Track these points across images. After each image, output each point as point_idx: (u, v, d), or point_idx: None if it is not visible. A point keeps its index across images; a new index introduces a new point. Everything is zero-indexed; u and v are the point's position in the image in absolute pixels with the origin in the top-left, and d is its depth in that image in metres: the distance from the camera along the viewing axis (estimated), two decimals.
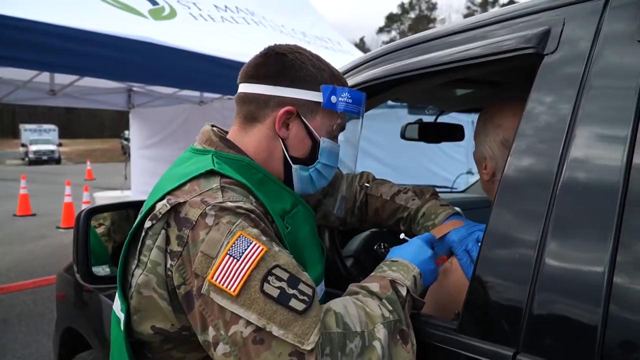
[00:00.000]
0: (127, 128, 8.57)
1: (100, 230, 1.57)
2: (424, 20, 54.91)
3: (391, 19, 59.30)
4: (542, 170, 0.85)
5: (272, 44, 1.11)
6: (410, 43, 1.22)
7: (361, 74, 1.30)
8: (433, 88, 1.66)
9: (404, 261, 1.06)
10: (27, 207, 10.36)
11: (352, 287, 1.01)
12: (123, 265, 0.98)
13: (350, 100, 1.07)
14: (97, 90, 6.61)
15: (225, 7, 5.93)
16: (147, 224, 0.93)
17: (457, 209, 1.28)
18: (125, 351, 0.96)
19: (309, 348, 0.79)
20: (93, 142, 41.55)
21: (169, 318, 0.92)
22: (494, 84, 1.55)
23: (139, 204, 1.65)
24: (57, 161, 29.76)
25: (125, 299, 0.97)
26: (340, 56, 5.98)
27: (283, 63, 1.06)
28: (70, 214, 8.85)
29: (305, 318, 0.82)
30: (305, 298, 0.84)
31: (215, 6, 5.75)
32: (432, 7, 58.48)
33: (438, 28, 1.20)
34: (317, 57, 1.11)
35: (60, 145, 32.14)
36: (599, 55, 0.83)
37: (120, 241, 1.65)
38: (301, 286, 0.85)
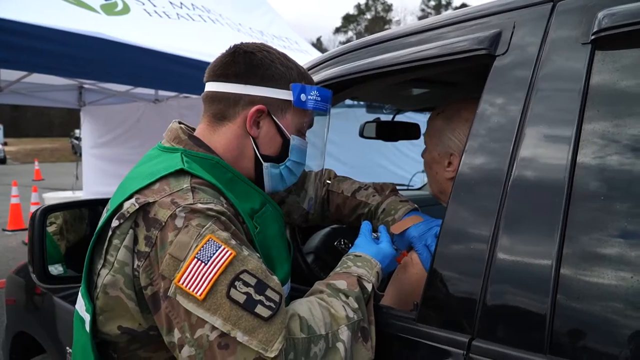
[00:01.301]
0: (78, 127, 8.31)
1: (51, 229, 1.53)
2: (380, 22, 55.54)
3: (348, 19, 59.68)
4: (494, 168, 0.90)
5: (238, 42, 1.11)
6: (368, 43, 1.25)
7: (320, 73, 1.32)
8: (391, 87, 1.69)
9: (367, 256, 1.08)
10: None
11: (318, 285, 1.02)
12: (88, 265, 0.97)
13: (319, 98, 1.09)
14: (46, 87, 6.38)
15: (181, 4, 5.83)
16: (114, 223, 0.91)
17: (415, 206, 1.32)
18: (90, 352, 0.95)
19: (272, 355, 0.80)
20: (41, 141, 39.95)
21: (136, 318, 0.92)
22: (449, 84, 1.60)
23: (97, 203, 1.62)
24: (2, 161, 28.53)
25: (91, 299, 0.95)
26: (298, 55, 5.99)
27: (252, 62, 1.06)
28: (17, 215, 8.50)
29: (270, 325, 0.82)
30: (272, 304, 0.84)
31: (171, 3, 5.65)
32: (388, 9, 59.24)
33: (395, 29, 1.23)
34: (285, 56, 1.12)
35: (5, 144, 30.83)
36: (547, 57, 0.88)
37: (75, 240, 1.62)
38: (268, 292, 0.85)
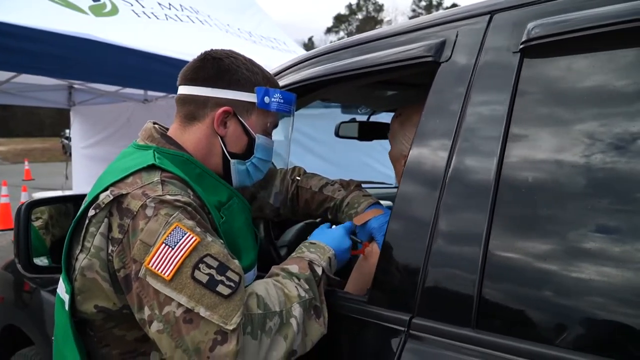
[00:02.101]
0: (68, 126, 8.32)
1: (37, 223, 1.61)
2: (371, 22, 55.63)
3: (339, 19, 59.77)
4: (435, 165, 0.99)
5: (225, 43, 1.21)
6: (332, 49, 1.34)
7: (287, 77, 1.41)
8: (362, 90, 1.79)
9: (321, 243, 1.18)
10: None
11: (274, 269, 1.11)
12: (67, 251, 1.06)
13: (282, 100, 1.19)
14: (36, 87, 6.39)
15: (169, 4, 5.87)
16: (91, 212, 1.00)
17: (376, 199, 1.41)
18: (69, 329, 1.03)
19: (231, 328, 0.89)
20: (32, 141, 39.68)
21: (110, 298, 1.00)
22: (416, 85, 1.70)
23: (80, 198, 1.70)
24: None
25: (70, 281, 1.04)
26: (286, 55, 6.06)
27: (220, 67, 1.16)
28: (7, 215, 8.49)
29: (229, 302, 0.91)
30: (232, 284, 0.93)
31: (159, 4, 5.69)
32: (379, 9, 59.37)
33: (355, 37, 1.33)
34: (251, 61, 1.21)
35: None
36: (482, 64, 0.98)
37: (60, 235, 1.69)
38: (229, 273, 0.94)
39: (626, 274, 0.74)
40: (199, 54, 1.20)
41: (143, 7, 5.36)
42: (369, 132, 2.17)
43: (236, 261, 0.99)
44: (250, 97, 1.17)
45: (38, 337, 2.05)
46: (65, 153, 15.38)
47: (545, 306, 0.81)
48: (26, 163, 18.87)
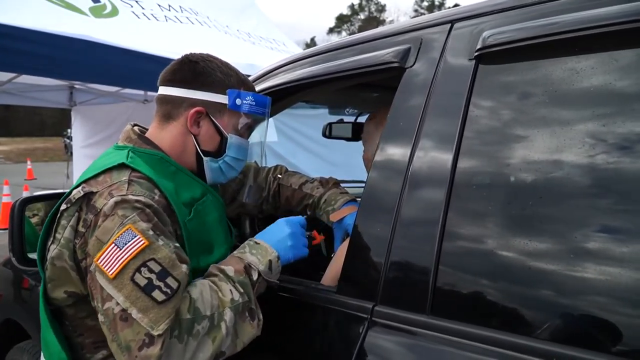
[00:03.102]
0: (70, 126, 8.39)
1: (34, 220, 1.69)
2: (373, 22, 55.66)
3: (341, 19, 59.83)
4: (399, 160, 1.06)
5: (188, 52, 1.28)
6: (309, 54, 1.42)
7: (269, 80, 1.48)
8: (346, 92, 1.86)
9: (265, 244, 1.19)
10: None
11: (212, 269, 1.14)
12: (42, 243, 1.14)
13: (253, 103, 1.25)
14: (37, 87, 6.46)
15: (169, 6, 5.93)
16: (63, 206, 1.09)
17: (353, 197, 1.48)
18: (45, 314, 1.12)
19: (156, 333, 0.95)
20: (34, 141, 39.81)
21: (77, 285, 1.08)
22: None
23: None
24: None
25: (43, 270, 1.12)
26: (285, 56, 6.10)
27: (195, 69, 1.23)
28: (8, 214, 8.59)
29: (161, 308, 0.97)
30: (168, 291, 0.98)
31: (159, 5, 5.74)
32: (381, 9, 59.43)
33: (331, 42, 1.40)
34: (226, 65, 1.28)
35: None
36: (442, 69, 1.05)
37: None
38: (169, 280, 0.99)
39: (566, 257, 0.81)
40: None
41: (143, 8, 5.42)
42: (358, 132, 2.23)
43: (183, 267, 1.03)
44: (222, 98, 1.23)
45: (35, 331, 2.11)
46: (67, 152, 15.46)
47: (492, 294, 0.88)
48: (28, 162, 18.95)
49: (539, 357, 0.77)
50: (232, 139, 1.26)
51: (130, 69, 4.16)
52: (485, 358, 0.83)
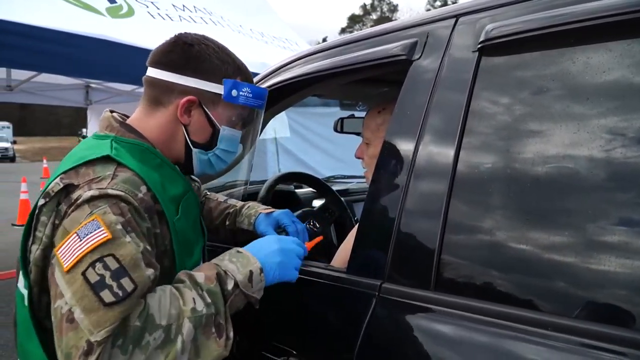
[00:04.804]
0: (85, 125, 8.52)
1: None
2: (385, 22, 55.50)
3: (353, 19, 59.87)
4: (405, 150, 1.12)
5: (181, 32, 1.18)
6: (319, 49, 1.48)
7: (282, 74, 1.55)
8: (355, 87, 1.92)
9: (248, 254, 1.08)
10: None
11: (181, 274, 1.02)
12: (23, 244, 1.01)
13: (250, 95, 1.15)
14: (54, 86, 6.60)
15: (183, 6, 6.02)
16: (41, 201, 0.97)
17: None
18: (31, 325, 0.99)
19: (93, 339, 0.82)
20: (49, 140, 40.38)
21: None
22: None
23: None
24: (12, 159, 28.93)
25: (26, 274, 0.99)
26: None
27: (189, 53, 1.12)
28: (27, 211, 8.74)
29: (107, 311, 0.84)
30: (120, 292, 0.86)
31: (174, 5, 5.84)
32: (393, 9, 59.38)
33: (341, 37, 1.46)
34: (224, 50, 1.17)
35: (14, 143, 31.23)
36: (447, 62, 1.10)
37: None
38: (124, 280, 0.87)
39: (559, 240, 0.86)
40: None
41: (158, 8, 5.51)
42: None
43: (148, 271, 0.93)
44: (217, 88, 1.13)
45: None
46: None
47: (489, 271, 0.94)
48: (45, 161, 19.27)
49: (535, 326, 0.83)
50: (225, 131, 1.17)
51: (146, 68, 4.24)
52: (484, 327, 0.89)
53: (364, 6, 60.69)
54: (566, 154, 0.89)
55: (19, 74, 5.61)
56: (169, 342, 0.89)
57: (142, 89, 1.16)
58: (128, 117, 1.19)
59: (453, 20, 1.13)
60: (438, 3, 53.71)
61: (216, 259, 1.08)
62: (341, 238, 1.83)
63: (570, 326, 0.80)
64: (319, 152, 6.24)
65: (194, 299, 0.95)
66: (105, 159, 1.01)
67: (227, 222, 1.49)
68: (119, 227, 0.92)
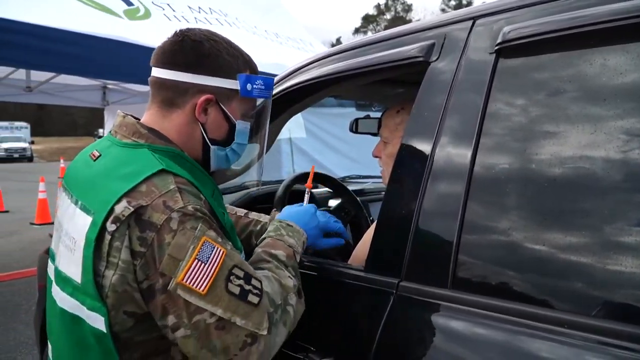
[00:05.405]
0: (101, 126, 8.63)
1: None
2: (400, 22, 55.45)
3: (367, 19, 59.80)
4: (422, 151, 1.13)
5: (184, 28, 1.16)
6: (338, 51, 1.50)
7: (300, 76, 1.57)
8: (372, 88, 1.93)
9: (297, 227, 1.25)
10: None
11: (262, 254, 1.16)
12: (93, 268, 0.98)
13: (263, 87, 1.17)
14: (72, 87, 6.71)
15: (199, 8, 6.08)
16: (111, 227, 0.96)
17: None
18: (109, 345, 0.99)
19: (264, 333, 0.98)
20: (66, 140, 40.87)
21: (139, 305, 0.99)
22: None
23: None
24: (29, 159, 29.33)
25: (102, 299, 0.98)
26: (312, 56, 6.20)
27: (200, 51, 1.11)
28: (45, 210, 8.86)
29: (259, 309, 0.99)
30: (258, 292, 1.00)
31: (189, 7, 5.90)
32: (408, 9, 59.19)
33: (361, 39, 1.48)
34: (230, 44, 1.17)
35: (32, 143, 31.66)
36: (464, 63, 1.12)
37: None
38: (253, 281, 1.01)
39: (573, 239, 0.88)
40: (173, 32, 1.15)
41: (174, 10, 5.58)
42: None
43: (251, 267, 1.06)
44: (232, 84, 1.13)
45: None
46: None
47: (505, 270, 0.96)
48: (61, 161, 19.52)
49: (551, 324, 0.84)
50: (240, 125, 1.18)
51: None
52: (500, 324, 0.91)
53: (377, 6, 60.63)
54: (582, 155, 0.90)
55: (37, 75, 5.71)
56: (285, 314, 1.06)
57: None
58: (139, 119, 1.18)
59: (470, 23, 1.15)
60: (453, 2, 53.43)
61: (275, 234, 1.22)
62: (357, 237, 1.84)
63: (586, 324, 0.82)
64: (333, 153, 6.27)
65: (288, 276, 1.12)
66: (160, 172, 1.01)
67: (253, 240, 1.50)
68: (220, 239, 1.01)
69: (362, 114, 2.32)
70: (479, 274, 1.00)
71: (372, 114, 2.40)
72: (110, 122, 7.86)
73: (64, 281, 1.06)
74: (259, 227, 1.51)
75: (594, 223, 0.87)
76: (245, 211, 1.59)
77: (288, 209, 1.34)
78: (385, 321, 1.07)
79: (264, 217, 1.54)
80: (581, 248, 0.86)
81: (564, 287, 0.88)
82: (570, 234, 0.88)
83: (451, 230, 1.02)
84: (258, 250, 1.18)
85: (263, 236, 1.24)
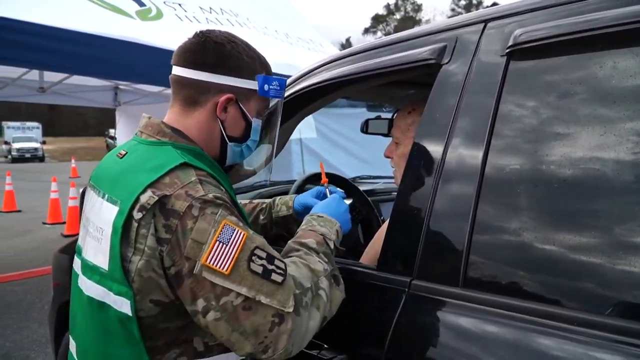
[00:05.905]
0: (112, 126, 8.70)
1: None
2: (409, 22, 55.36)
3: (377, 19, 59.73)
4: (434, 152, 1.15)
5: (204, 30, 1.22)
6: (354, 52, 1.52)
7: (312, 78, 1.59)
8: (383, 89, 1.95)
9: (328, 217, 1.30)
10: (12, 203, 10.40)
11: (292, 244, 1.20)
12: (120, 255, 1.03)
13: (278, 87, 1.24)
14: (84, 87, 6.77)
15: (210, 8, 6.12)
16: (138, 215, 1.02)
17: None
18: (134, 332, 1.03)
19: (290, 310, 1.00)
20: (77, 140, 41.23)
21: (165, 292, 1.03)
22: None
23: None
24: (41, 159, 29.58)
25: (128, 283, 1.03)
26: (322, 57, 6.19)
27: (222, 53, 1.17)
28: (57, 209, 8.93)
29: (284, 287, 1.01)
30: (282, 271, 1.03)
31: (201, 8, 5.95)
32: (417, 9, 59.05)
33: (372, 41, 1.50)
34: (249, 46, 1.24)
35: (44, 143, 31.92)
36: (476, 65, 1.13)
37: None
38: (276, 262, 1.04)
39: (582, 237, 0.89)
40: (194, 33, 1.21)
41: (185, 11, 5.62)
42: None
43: (274, 250, 1.08)
44: (251, 84, 1.20)
45: None
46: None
47: (515, 269, 0.98)
48: (73, 161, 19.68)
49: (561, 322, 0.86)
50: (255, 123, 1.25)
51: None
52: (510, 322, 0.92)
53: (387, 6, 60.51)
54: (592, 157, 0.91)
55: (50, 76, 5.77)
56: (316, 298, 1.08)
57: (169, 90, 1.20)
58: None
59: (482, 25, 1.17)
60: (463, 2, 53.23)
61: (307, 226, 1.26)
62: (368, 237, 1.87)
63: (596, 321, 0.83)
64: (344, 153, 6.28)
65: (319, 261, 1.15)
66: (183, 165, 1.07)
67: (262, 217, 1.60)
68: (241, 224, 1.05)
69: (372, 114, 2.34)
70: (489, 273, 1.01)
71: (383, 115, 2.42)
72: (122, 122, 7.94)
73: (91, 270, 1.11)
74: (264, 206, 1.61)
75: (604, 223, 0.88)
76: (250, 200, 1.66)
77: (316, 206, 1.38)
78: (397, 319, 1.09)
79: (268, 200, 1.62)
80: (591, 248, 0.88)
81: (574, 286, 0.90)
82: (580, 234, 0.90)
83: (462, 229, 1.04)
84: (289, 242, 1.22)
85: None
